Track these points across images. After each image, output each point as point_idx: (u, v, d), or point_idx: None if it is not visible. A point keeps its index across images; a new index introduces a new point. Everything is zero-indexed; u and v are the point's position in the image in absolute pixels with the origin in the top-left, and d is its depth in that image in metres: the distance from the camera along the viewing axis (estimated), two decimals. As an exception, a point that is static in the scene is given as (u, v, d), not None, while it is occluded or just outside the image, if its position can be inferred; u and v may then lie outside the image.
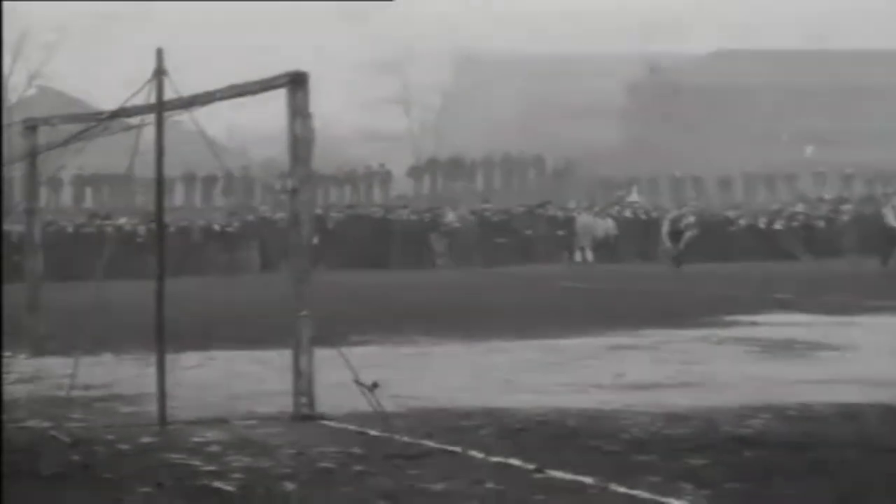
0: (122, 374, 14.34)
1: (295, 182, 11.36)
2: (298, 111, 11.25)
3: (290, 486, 8.49)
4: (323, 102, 15.02)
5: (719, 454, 9.30)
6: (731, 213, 45.39)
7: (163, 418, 10.99)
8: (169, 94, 11.37)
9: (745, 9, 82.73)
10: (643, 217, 44.37)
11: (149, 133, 11.65)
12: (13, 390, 12.90)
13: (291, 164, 11.37)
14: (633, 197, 49.10)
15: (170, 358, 11.45)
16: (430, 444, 9.78)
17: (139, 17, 72.25)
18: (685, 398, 12.06)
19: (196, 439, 10.18)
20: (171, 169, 14.91)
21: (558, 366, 14.86)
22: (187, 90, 11.60)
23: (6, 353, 14.55)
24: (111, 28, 75.49)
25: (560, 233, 42.70)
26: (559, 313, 21.10)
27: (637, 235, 43.12)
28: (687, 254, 37.17)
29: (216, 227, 41.02)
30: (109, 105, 12.89)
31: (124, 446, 9.96)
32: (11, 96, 58.61)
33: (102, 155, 32.56)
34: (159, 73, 11.28)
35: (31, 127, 16.30)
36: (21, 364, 15.23)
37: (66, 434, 10.47)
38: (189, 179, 50.96)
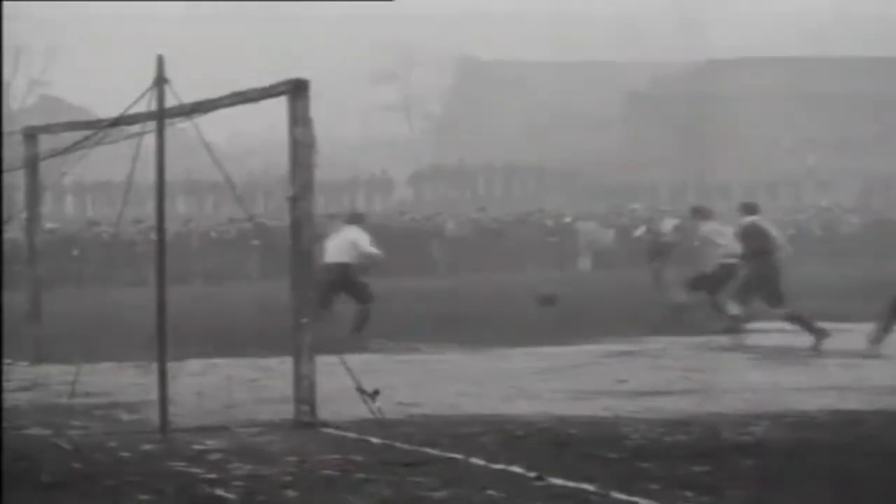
0: (124, 381, 14.34)
1: (296, 189, 11.36)
2: (299, 118, 11.25)
3: (291, 493, 8.49)
4: (324, 109, 15.00)
5: (720, 461, 9.31)
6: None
7: (164, 426, 10.98)
8: (170, 102, 11.37)
9: (746, 14, 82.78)
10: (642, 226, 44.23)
11: (150, 140, 11.64)
12: (14, 398, 12.90)
13: (292, 172, 11.36)
14: (634, 205, 49.09)
15: (171, 365, 11.44)
16: (432, 451, 9.77)
17: (141, 23, 72.20)
18: (686, 405, 12.07)
19: (197, 447, 10.17)
20: (173, 176, 14.95)
21: (559, 373, 14.86)
22: (188, 97, 11.61)
23: (7, 361, 14.53)
24: (113, 35, 75.44)
25: (552, 240, 42.62)
26: (559, 321, 21.06)
27: (635, 243, 42.98)
28: None
29: (213, 234, 40.99)
30: (111, 113, 12.89)
31: (125, 454, 9.95)
32: (12, 104, 58.59)
33: (104, 163, 32.57)
34: (160, 80, 11.27)
35: (31, 135, 16.30)
36: (22, 371, 15.22)
37: (68, 441, 10.47)
38: (190, 187, 50.92)
